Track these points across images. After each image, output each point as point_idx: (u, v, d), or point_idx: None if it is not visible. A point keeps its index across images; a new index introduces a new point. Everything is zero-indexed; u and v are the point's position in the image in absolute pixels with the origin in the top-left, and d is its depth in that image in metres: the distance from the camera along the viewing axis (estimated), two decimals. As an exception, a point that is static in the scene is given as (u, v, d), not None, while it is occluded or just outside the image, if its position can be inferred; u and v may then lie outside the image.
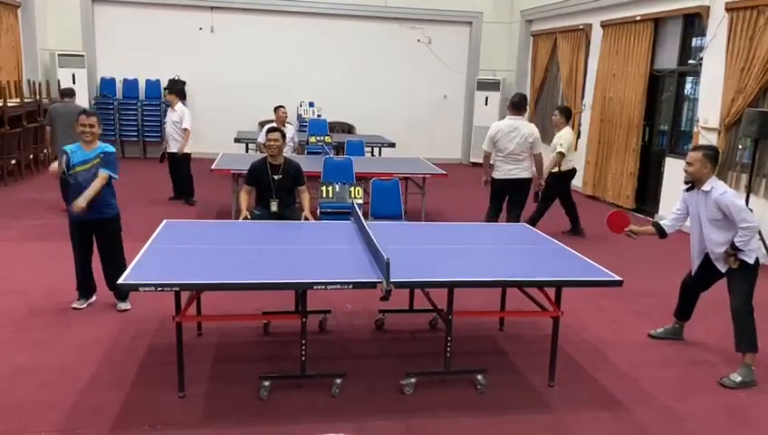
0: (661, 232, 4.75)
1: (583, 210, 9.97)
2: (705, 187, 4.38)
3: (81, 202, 4.73)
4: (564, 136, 7.84)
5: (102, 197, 4.87)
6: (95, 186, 4.78)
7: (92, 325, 4.86)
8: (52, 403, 3.74)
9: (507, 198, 6.99)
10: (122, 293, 5.10)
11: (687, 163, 4.45)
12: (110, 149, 4.97)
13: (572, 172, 8.13)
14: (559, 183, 7.96)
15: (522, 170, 6.83)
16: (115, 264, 4.91)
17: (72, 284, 5.23)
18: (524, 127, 6.77)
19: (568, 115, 8.15)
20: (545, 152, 7.24)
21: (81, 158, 4.85)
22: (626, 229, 4.81)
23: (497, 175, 6.88)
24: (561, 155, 7.74)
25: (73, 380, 4.02)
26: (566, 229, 8.23)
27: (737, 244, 4.28)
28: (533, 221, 7.37)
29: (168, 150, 9.16)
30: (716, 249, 4.43)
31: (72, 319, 4.96)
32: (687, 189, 4.58)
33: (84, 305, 5.17)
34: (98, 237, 5.04)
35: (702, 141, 8.29)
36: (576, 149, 9.78)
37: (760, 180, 7.49)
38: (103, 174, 4.83)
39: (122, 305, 5.16)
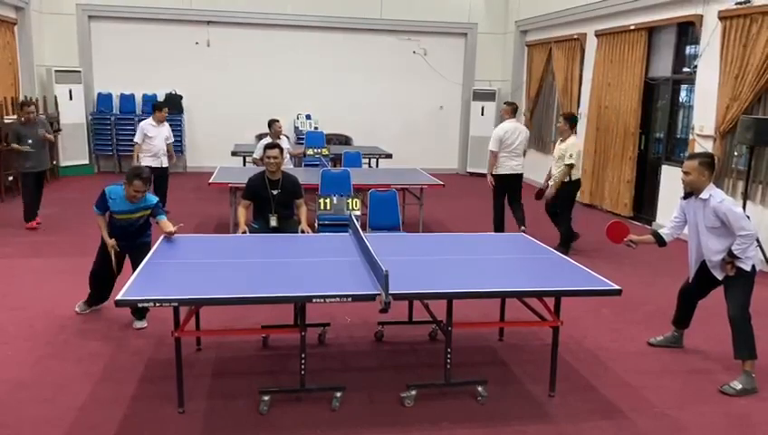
0: (660, 241, 4.76)
1: (580, 219, 9.99)
2: (704, 194, 4.40)
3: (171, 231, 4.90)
4: (571, 146, 7.55)
5: (145, 229, 5.24)
6: (172, 230, 4.92)
7: (91, 341, 4.85)
8: (52, 420, 3.72)
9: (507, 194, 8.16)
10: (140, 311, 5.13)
11: (684, 172, 4.46)
12: (155, 199, 5.17)
13: (578, 184, 7.83)
14: (567, 193, 7.73)
15: (521, 166, 8.20)
16: None
17: (71, 299, 5.21)
18: (523, 128, 8.37)
19: (573, 122, 7.83)
20: (549, 162, 7.95)
21: (124, 208, 5.03)
22: (625, 239, 4.81)
23: (503, 171, 8.06)
24: (570, 167, 7.50)
25: (73, 396, 4.00)
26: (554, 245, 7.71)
27: (735, 252, 4.29)
28: (568, 239, 7.73)
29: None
30: (714, 257, 4.44)
31: (70, 335, 4.95)
32: (685, 197, 4.59)
33: (87, 311, 5.36)
34: (133, 259, 5.13)
35: (698, 149, 8.32)
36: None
37: (756, 187, 7.51)
38: (167, 222, 4.99)
39: (138, 324, 5.13)
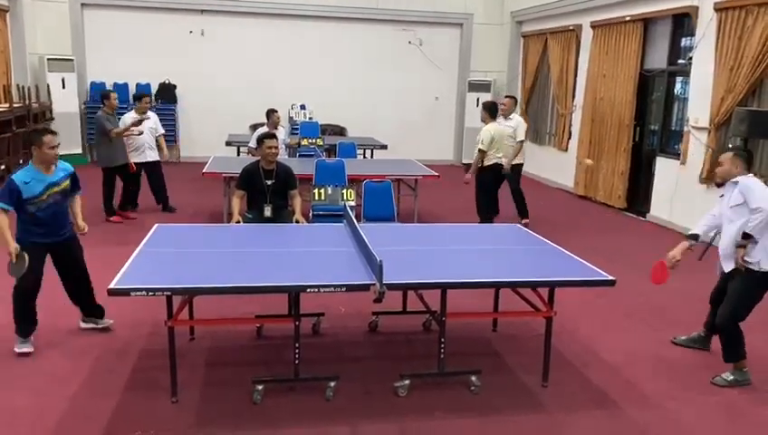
0: (694, 237, 4.53)
1: (574, 210, 10.03)
2: (736, 178, 4.28)
3: (84, 226, 4.68)
4: (483, 132, 7.94)
5: (65, 217, 4.60)
6: (80, 209, 4.71)
7: (84, 331, 4.84)
8: (45, 410, 3.71)
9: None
10: (101, 310, 4.89)
11: (719, 163, 4.43)
12: (71, 166, 4.65)
13: (495, 167, 8.06)
14: (484, 178, 8.07)
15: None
16: (89, 282, 4.77)
17: (58, 295, 5.07)
18: None
19: (491, 111, 8.15)
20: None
21: (45, 183, 4.35)
22: (668, 267, 4.47)
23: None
24: (481, 152, 7.90)
25: (66, 386, 3.99)
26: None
27: (748, 230, 4.10)
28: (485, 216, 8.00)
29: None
30: (728, 246, 4.27)
31: (62, 325, 4.91)
32: (719, 186, 4.54)
33: (31, 343, 4.51)
34: (66, 261, 4.66)
35: (692, 141, 8.34)
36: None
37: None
38: (79, 196, 4.70)
39: (103, 323, 4.90)
